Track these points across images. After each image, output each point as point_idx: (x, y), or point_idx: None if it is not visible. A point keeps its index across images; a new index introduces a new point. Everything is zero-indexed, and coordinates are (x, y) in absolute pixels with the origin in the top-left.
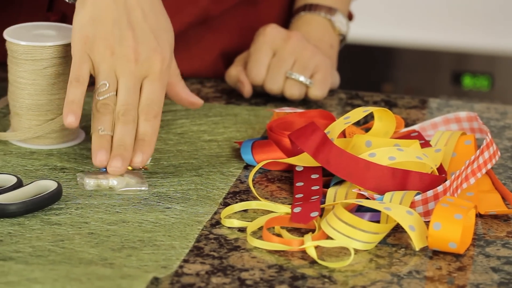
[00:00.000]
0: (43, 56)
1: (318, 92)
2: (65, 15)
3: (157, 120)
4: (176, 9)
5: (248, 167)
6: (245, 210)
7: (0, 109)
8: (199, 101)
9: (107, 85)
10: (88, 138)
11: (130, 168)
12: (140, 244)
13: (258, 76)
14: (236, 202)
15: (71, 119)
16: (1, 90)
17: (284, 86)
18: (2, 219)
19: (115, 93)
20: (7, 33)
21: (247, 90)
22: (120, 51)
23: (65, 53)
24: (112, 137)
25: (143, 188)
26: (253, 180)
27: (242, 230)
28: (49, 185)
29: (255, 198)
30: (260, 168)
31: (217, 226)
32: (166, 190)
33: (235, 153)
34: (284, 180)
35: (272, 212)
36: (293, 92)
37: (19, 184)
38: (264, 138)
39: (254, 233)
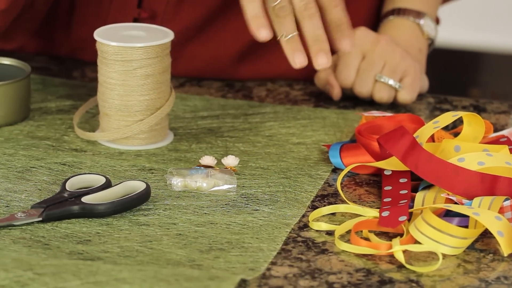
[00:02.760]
0: (133, 57)
1: (407, 96)
2: (155, 13)
3: (342, 4)
4: None
5: (336, 170)
6: (333, 213)
7: (89, 110)
8: None
9: None
10: (176, 139)
11: (214, 166)
12: (228, 246)
13: (347, 79)
14: (324, 205)
15: (264, 33)
16: (90, 91)
17: (373, 89)
18: (90, 219)
19: None
20: (98, 34)
21: (336, 93)
22: None
23: (155, 54)
24: (299, 37)
25: (231, 186)
26: (341, 184)
27: (330, 233)
28: (138, 185)
29: (343, 202)
30: (348, 171)
31: (305, 229)
32: (254, 192)
33: (323, 156)
34: (372, 183)
35: (360, 215)
36: (382, 95)
37: (107, 185)
38: (353, 141)
39: (342, 237)
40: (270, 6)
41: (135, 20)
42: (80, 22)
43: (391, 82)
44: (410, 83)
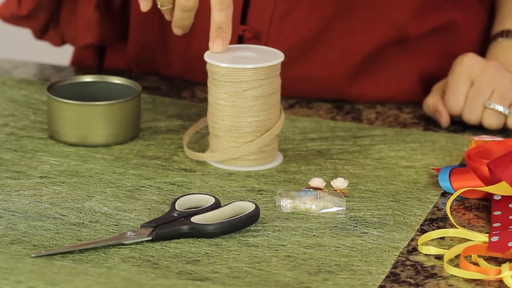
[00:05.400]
0: (243, 78)
1: None
2: (259, 33)
3: (228, 10)
4: (372, 26)
5: (445, 194)
6: (442, 238)
7: (199, 130)
8: None
9: None
10: (286, 161)
11: (324, 189)
12: (337, 269)
13: (455, 106)
14: (433, 229)
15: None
16: (200, 111)
17: (482, 116)
18: (199, 239)
19: None
20: (208, 55)
21: (444, 121)
22: None
23: (265, 76)
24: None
25: (340, 208)
26: (450, 208)
27: (439, 257)
28: (247, 206)
29: (452, 226)
30: (457, 195)
31: (413, 253)
32: (363, 214)
33: (432, 180)
34: (482, 208)
35: (469, 240)
36: (491, 122)
37: (217, 205)
38: (462, 165)
39: (450, 261)
40: None
41: (239, 37)
42: (188, 41)
43: (500, 108)
44: None
